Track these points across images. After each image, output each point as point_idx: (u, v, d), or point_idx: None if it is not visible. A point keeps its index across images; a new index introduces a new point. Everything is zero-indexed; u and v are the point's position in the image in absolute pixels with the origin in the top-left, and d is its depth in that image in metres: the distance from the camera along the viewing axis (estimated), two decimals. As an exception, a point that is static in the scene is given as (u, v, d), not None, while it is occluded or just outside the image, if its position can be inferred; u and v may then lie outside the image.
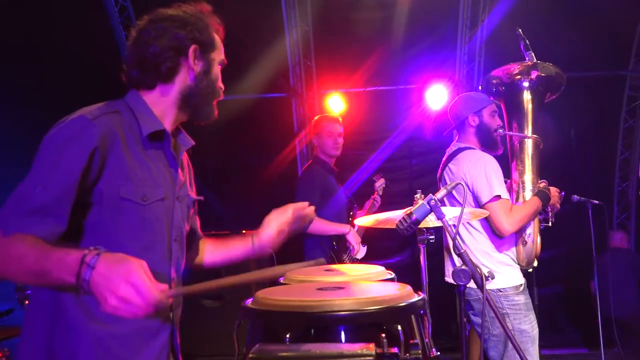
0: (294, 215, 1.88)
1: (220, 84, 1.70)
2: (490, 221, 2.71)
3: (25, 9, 4.67)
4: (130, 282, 1.21)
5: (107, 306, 1.22)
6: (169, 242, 1.56)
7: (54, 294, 1.42)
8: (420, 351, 1.27)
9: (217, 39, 1.68)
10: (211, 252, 1.91)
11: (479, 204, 2.73)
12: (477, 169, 2.74)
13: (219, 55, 1.68)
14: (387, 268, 2.15)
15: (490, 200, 2.67)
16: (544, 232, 2.96)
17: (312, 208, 1.92)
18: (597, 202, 4.43)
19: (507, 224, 2.66)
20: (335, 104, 5.88)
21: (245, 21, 5.23)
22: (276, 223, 1.85)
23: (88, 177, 1.40)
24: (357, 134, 5.98)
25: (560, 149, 5.49)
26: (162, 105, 1.61)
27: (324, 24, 5.63)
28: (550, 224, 2.97)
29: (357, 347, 1.15)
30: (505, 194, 2.70)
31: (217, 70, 1.67)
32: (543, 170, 2.99)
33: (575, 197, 4.43)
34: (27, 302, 2.56)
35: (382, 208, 4.20)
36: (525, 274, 2.90)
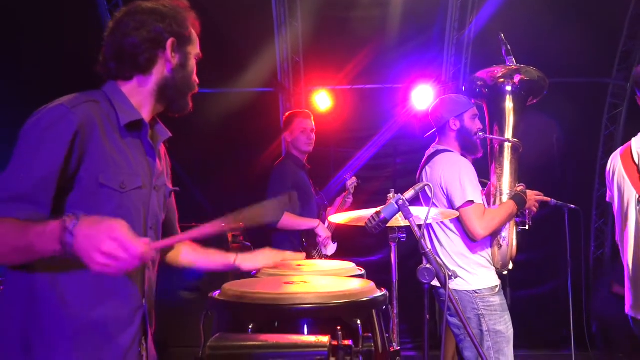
0: (283, 261, 1.95)
1: (195, 78, 1.74)
2: (463, 225, 2.75)
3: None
4: (113, 238, 1.24)
5: (94, 265, 1.25)
6: (145, 230, 1.59)
7: (29, 281, 1.44)
8: (372, 344, 1.31)
9: (194, 33, 1.72)
10: (189, 254, 1.94)
11: (452, 208, 2.76)
12: (451, 173, 2.77)
13: (194, 49, 1.71)
14: (366, 265, 2.20)
15: (463, 205, 2.70)
16: (520, 235, 3.01)
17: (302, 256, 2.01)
18: (573, 206, 4.50)
19: (480, 228, 2.69)
20: (322, 100, 5.91)
21: (235, 16, 5.25)
22: (264, 261, 1.92)
23: (69, 164, 1.43)
24: (343, 132, 6.03)
25: (542, 154, 5.56)
26: (140, 96, 1.64)
27: (313, 20, 5.65)
28: (527, 227, 3.01)
29: (312, 339, 1.19)
30: (478, 199, 2.73)
31: (192, 63, 1.71)
32: (524, 174, 3.03)
33: (553, 201, 4.50)
34: (0, 287, 2.56)
35: (364, 205, 4.22)
36: (499, 276, 2.95)
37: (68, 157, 1.42)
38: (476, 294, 2.75)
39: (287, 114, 4.12)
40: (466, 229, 2.74)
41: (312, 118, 3.94)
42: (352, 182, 4.34)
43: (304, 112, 4.06)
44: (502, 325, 2.73)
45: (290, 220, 3.62)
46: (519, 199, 2.83)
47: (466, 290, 2.74)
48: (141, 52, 1.60)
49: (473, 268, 2.79)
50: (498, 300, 2.77)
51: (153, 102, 1.66)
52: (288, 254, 1.98)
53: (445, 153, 2.90)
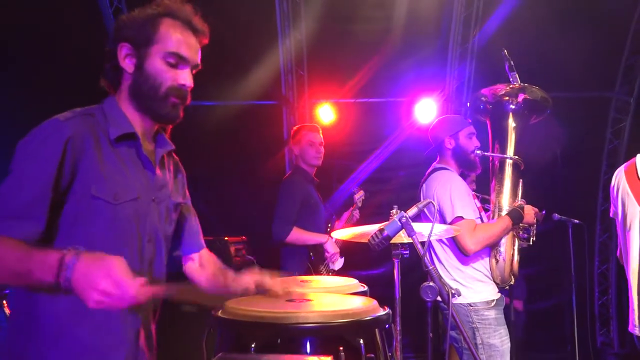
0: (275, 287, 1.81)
1: (182, 81, 1.58)
2: (455, 240, 2.80)
3: (17, 6, 4.69)
4: (110, 277, 1.25)
5: (90, 302, 1.26)
6: (141, 242, 1.57)
7: (27, 299, 1.45)
8: (375, 365, 1.31)
9: (166, 32, 1.58)
10: (202, 276, 1.86)
11: (445, 224, 2.81)
12: (442, 190, 2.84)
13: (162, 48, 1.56)
14: (368, 279, 2.19)
15: (453, 221, 2.77)
16: (524, 250, 3.02)
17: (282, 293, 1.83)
18: (577, 221, 4.50)
19: (470, 243, 2.74)
20: (326, 113, 5.93)
21: (240, 29, 5.28)
22: (254, 283, 1.77)
23: (62, 176, 1.43)
24: (346, 145, 6.03)
25: (545, 168, 5.56)
26: (126, 108, 1.61)
27: (318, 33, 5.67)
28: (531, 242, 3.01)
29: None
30: (468, 214, 2.79)
31: (154, 63, 1.56)
32: (527, 188, 3.05)
33: (556, 215, 4.50)
34: (4, 301, 2.58)
35: (368, 219, 4.22)
36: (503, 290, 2.96)
37: (60, 170, 1.43)
38: (470, 307, 2.79)
39: (295, 127, 4.12)
40: (458, 243, 2.80)
41: (320, 131, 3.94)
42: (359, 195, 4.30)
43: (312, 125, 4.05)
44: (496, 339, 2.76)
45: (300, 235, 3.60)
46: (514, 214, 2.87)
47: (461, 304, 2.79)
48: (105, 62, 1.59)
49: (468, 282, 2.84)
50: (493, 314, 2.80)
51: (137, 114, 1.61)
52: (268, 282, 1.78)
53: (440, 171, 2.98)
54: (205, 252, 1.90)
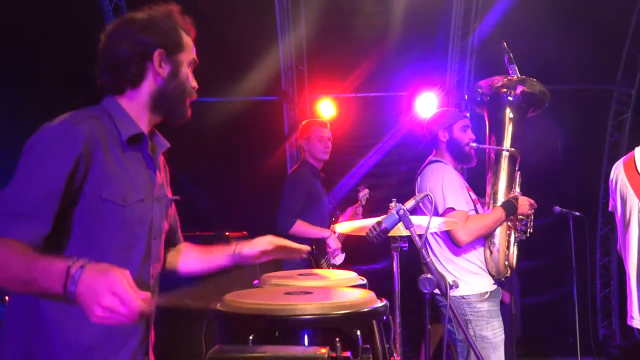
0: (286, 247, 1.92)
1: (193, 84, 1.71)
2: (448, 232, 2.82)
3: (18, 3, 4.71)
4: (114, 293, 1.23)
5: (93, 316, 1.24)
6: (149, 241, 1.60)
7: (28, 297, 1.45)
8: (370, 355, 1.32)
9: (186, 40, 1.69)
10: (188, 258, 1.90)
11: (437, 216, 2.82)
12: (434, 182, 2.87)
13: (188, 56, 1.69)
14: (370, 273, 2.21)
15: (444, 212, 2.79)
16: (525, 242, 3.02)
17: (307, 249, 1.97)
18: (578, 213, 4.50)
19: (462, 234, 2.76)
20: (326, 108, 5.94)
21: (239, 25, 5.29)
22: (264, 246, 1.86)
23: (74, 180, 1.43)
24: (347, 139, 6.03)
25: (546, 161, 5.55)
26: (135, 108, 1.63)
27: (317, 29, 5.68)
28: (528, 234, 3.02)
29: (311, 350, 1.20)
30: (460, 206, 2.80)
31: (185, 70, 1.68)
32: (528, 181, 3.05)
33: (557, 208, 4.51)
34: (7, 298, 2.59)
35: (369, 213, 4.25)
36: (501, 283, 2.97)
37: (73, 174, 1.43)
38: (463, 300, 2.82)
39: (303, 122, 4.16)
40: (450, 235, 2.82)
41: (329, 127, 3.97)
42: (364, 193, 4.37)
43: (321, 121, 4.12)
44: (488, 331, 2.79)
45: (303, 228, 3.65)
46: (507, 206, 2.87)
47: (454, 296, 2.81)
48: (129, 66, 1.59)
49: (462, 274, 2.86)
50: (486, 306, 2.82)
51: (148, 114, 1.66)
52: (289, 242, 1.92)
53: (433, 163, 3.01)
54: (184, 244, 1.94)
